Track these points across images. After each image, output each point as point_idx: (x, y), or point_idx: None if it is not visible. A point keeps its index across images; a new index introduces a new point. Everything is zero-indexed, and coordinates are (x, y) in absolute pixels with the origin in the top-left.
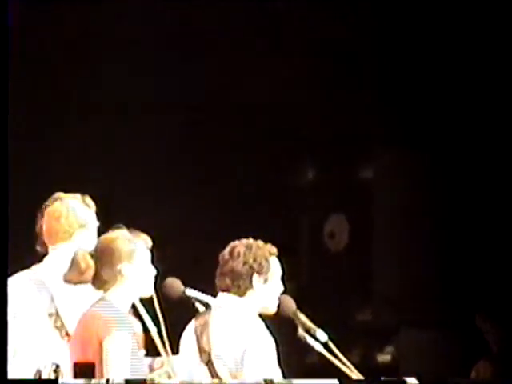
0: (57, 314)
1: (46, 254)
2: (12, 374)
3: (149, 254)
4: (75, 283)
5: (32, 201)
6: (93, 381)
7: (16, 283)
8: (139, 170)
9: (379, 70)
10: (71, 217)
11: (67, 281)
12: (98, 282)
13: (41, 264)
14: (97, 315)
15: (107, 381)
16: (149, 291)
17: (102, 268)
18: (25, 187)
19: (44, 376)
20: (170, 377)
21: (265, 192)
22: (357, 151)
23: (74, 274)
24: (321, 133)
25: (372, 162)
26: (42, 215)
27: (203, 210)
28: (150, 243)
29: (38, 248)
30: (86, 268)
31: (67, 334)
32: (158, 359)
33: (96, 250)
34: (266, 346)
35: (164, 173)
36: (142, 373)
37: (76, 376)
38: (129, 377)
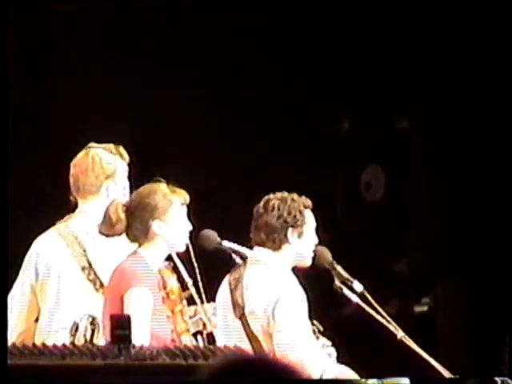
0: (90, 266)
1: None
2: (53, 327)
3: (185, 210)
4: (107, 235)
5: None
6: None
7: (47, 239)
8: (179, 125)
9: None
10: (97, 168)
11: (101, 233)
12: (131, 235)
13: (72, 217)
14: (122, 270)
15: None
16: (181, 247)
17: (134, 223)
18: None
19: (81, 328)
20: (204, 325)
21: (300, 144)
22: (393, 102)
23: (105, 227)
24: (357, 83)
25: (408, 112)
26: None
27: (239, 163)
28: (187, 199)
29: (72, 198)
30: (117, 221)
31: (102, 286)
32: (191, 307)
33: (130, 202)
34: (296, 299)
35: (202, 129)
36: (167, 329)
37: (112, 329)
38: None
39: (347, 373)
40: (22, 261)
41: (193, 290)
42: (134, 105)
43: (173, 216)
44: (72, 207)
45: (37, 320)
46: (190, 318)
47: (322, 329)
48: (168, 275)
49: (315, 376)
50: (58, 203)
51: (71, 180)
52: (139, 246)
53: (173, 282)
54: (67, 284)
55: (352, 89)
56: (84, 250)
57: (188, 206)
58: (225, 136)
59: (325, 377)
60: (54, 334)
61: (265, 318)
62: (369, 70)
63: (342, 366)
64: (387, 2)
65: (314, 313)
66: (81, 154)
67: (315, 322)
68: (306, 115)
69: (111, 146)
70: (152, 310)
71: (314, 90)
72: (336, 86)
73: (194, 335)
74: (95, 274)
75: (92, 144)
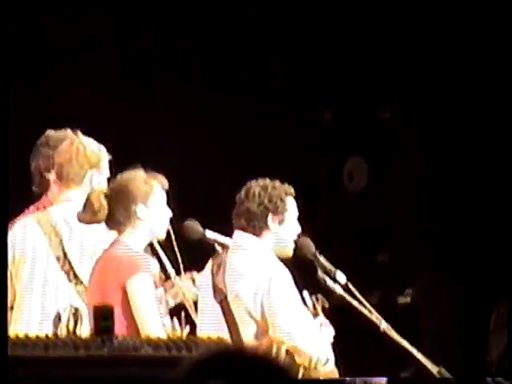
0: (65, 257)
1: (41, 194)
2: (33, 316)
3: (164, 196)
4: (88, 223)
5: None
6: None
7: (25, 225)
8: (153, 109)
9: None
10: (81, 157)
11: (80, 220)
12: (112, 222)
13: (54, 205)
14: (115, 258)
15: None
16: (163, 233)
17: (116, 209)
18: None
19: (63, 319)
20: (184, 295)
21: (284, 133)
22: (375, 92)
23: (87, 214)
24: (340, 73)
25: (390, 102)
26: (37, 154)
27: (220, 149)
28: (166, 184)
29: (34, 188)
30: (99, 208)
31: (75, 277)
32: (169, 281)
33: (111, 190)
34: (287, 281)
35: (179, 112)
36: (162, 312)
37: (96, 320)
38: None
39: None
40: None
41: (177, 281)
42: (115, 92)
43: (154, 200)
44: (34, 197)
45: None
46: (167, 291)
47: (327, 305)
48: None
49: (314, 357)
50: None
51: (55, 168)
52: (119, 233)
53: (155, 268)
54: (41, 273)
55: (334, 79)
56: (61, 240)
57: (167, 192)
58: (208, 124)
59: (323, 358)
60: (26, 322)
61: (251, 303)
62: (351, 60)
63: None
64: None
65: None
66: (65, 143)
67: (320, 296)
68: (288, 105)
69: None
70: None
71: (297, 79)
72: (318, 76)
73: (171, 316)
74: (70, 264)
75: (50, 132)
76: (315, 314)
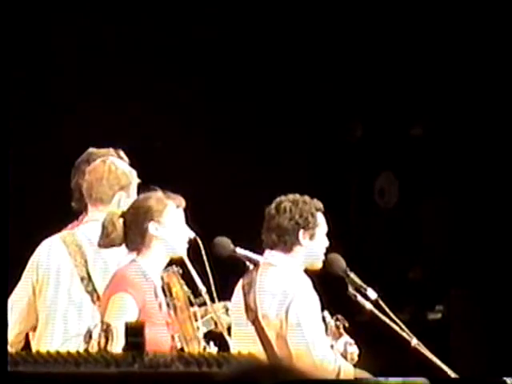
0: (89, 278)
1: (81, 210)
2: (56, 336)
3: (181, 214)
4: (105, 246)
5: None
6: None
7: (51, 245)
8: (177, 129)
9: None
10: (112, 177)
11: (99, 245)
12: (130, 244)
13: (80, 225)
14: (114, 276)
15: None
16: (180, 251)
17: (131, 230)
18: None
19: (94, 336)
20: (216, 324)
21: (314, 150)
22: (407, 108)
23: (101, 238)
24: (371, 90)
25: (422, 119)
26: (77, 171)
27: (250, 166)
28: (182, 203)
29: (73, 205)
30: (112, 230)
31: (98, 299)
32: (202, 308)
33: (126, 212)
34: (309, 300)
35: (203, 131)
36: (163, 335)
37: (126, 336)
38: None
39: (363, 375)
40: (23, 263)
41: (206, 297)
42: (134, 118)
43: (168, 217)
44: (75, 214)
45: (35, 329)
46: (202, 317)
47: (347, 325)
48: (174, 282)
49: (331, 377)
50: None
51: (84, 186)
52: (137, 255)
53: (179, 289)
54: (65, 293)
55: (366, 95)
56: (85, 261)
57: (185, 211)
58: (238, 140)
59: (341, 377)
60: (49, 341)
61: (277, 321)
62: (383, 76)
63: (358, 369)
64: (404, 12)
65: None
66: (97, 162)
67: (340, 317)
68: (320, 121)
69: (111, 150)
70: (138, 315)
71: (329, 96)
72: (350, 93)
73: (207, 341)
74: (93, 286)
75: (92, 150)
76: (339, 335)
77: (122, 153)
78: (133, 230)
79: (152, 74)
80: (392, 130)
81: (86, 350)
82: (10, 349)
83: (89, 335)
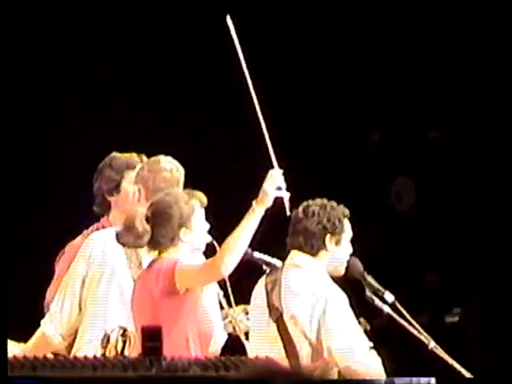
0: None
1: (102, 214)
2: (83, 337)
3: (203, 213)
4: (130, 246)
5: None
6: None
7: (107, 240)
8: (190, 135)
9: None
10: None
11: (124, 243)
12: (154, 244)
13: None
14: (155, 270)
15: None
16: (203, 247)
17: (158, 232)
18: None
19: (112, 340)
20: (234, 328)
21: (331, 156)
22: (423, 112)
23: (131, 238)
24: (388, 94)
25: (439, 123)
26: (100, 176)
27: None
28: (205, 201)
29: (95, 208)
30: (144, 232)
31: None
32: (222, 311)
33: (153, 214)
34: (343, 302)
35: (224, 128)
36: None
37: (143, 340)
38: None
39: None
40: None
41: (223, 301)
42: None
43: (195, 221)
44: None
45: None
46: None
47: (368, 327)
48: None
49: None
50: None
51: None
52: (159, 253)
53: None
54: (116, 290)
55: (382, 100)
56: (140, 263)
57: (206, 209)
58: (258, 147)
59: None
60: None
61: (307, 323)
62: (400, 80)
63: None
64: (421, 18)
65: None
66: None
67: (362, 319)
68: (336, 127)
69: (134, 155)
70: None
71: (345, 101)
72: (367, 98)
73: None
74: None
75: (115, 154)
76: None
77: (144, 158)
78: (161, 234)
79: (162, 81)
80: (409, 134)
81: (104, 355)
82: (63, 342)
83: (106, 339)
